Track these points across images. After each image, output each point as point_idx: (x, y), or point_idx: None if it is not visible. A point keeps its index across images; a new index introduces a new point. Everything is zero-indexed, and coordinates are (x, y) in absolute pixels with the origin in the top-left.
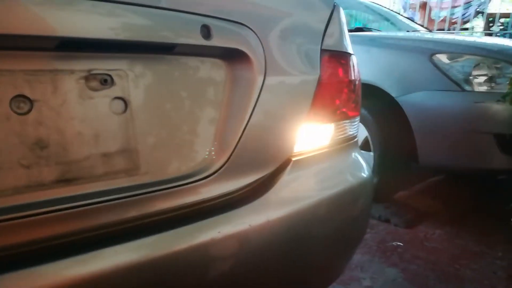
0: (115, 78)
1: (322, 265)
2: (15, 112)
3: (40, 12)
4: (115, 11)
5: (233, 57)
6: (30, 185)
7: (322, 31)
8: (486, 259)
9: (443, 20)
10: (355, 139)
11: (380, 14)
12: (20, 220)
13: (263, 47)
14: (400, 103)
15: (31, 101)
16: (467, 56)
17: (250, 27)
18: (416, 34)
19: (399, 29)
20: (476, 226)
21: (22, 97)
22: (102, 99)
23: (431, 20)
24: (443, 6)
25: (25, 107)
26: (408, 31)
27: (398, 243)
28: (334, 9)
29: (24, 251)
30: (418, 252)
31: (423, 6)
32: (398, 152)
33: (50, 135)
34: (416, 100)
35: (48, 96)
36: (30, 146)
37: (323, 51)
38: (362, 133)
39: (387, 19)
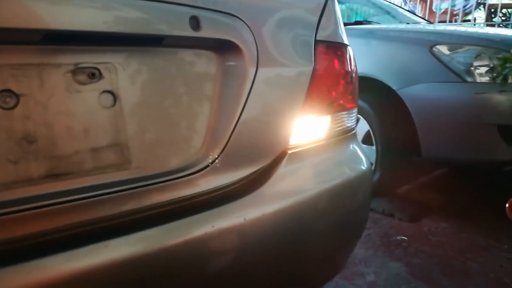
0: (103, 72)
1: (321, 259)
2: (1, 107)
3: (25, 5)
4: (101, 3)
5: (224, 48)
6: (18, 180)
7: (316, 22)
8: (492, 252)
9: (445, 12)
10: (353, 131)
11: (380, 8)
12: (8, 216)
13: (254, 38)
14: (401, 96)
15: (17, 96)
16: (468, 47)
17: (241, 17)
18: (416, 26)
19: (400, 22)
20: (481, 219)
21: (7, 91)
22: (90, 93)
23: (432, 13)
24: None
25: (11, 101)
26: (408, 23)
27: (402, 237)
28: (332, 2)
29: (12, 247)
30: (423, 246)
31: None
32: (400, 145)
33: (37, 130)
34: (417, 92)
35: (34, 90)
36: (18, 141)
37: (317, 42)
38: (363, 127)
39: (388, 12)
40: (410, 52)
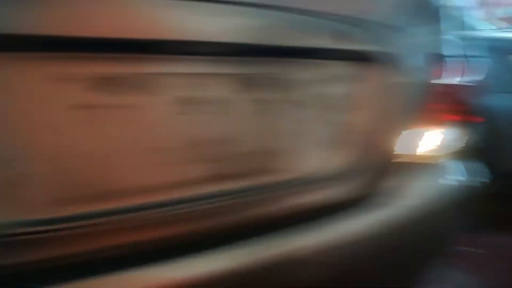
0: (255, 81)
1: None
2: (174, 112)
3: (198, 19)
4: (251, 19)
5: (359, 59)
6: (187, 180)
7: (431, 35)
8: None
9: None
10: (459, 145)
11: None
12: (173, 213)
13: (388, 49)
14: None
15: (186, 102)
16: None
17: (374, 30)
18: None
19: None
20: None
21: (179, 98)
22: (244, 101)
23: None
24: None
25: (181, 107)
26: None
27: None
28: (438, 12)
29: (182, 241)
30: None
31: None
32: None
33: (202, 134)
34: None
35: (201, 98)
36: (185, 144)
37: (430, 54)
38: None
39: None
40: (489, 60)
